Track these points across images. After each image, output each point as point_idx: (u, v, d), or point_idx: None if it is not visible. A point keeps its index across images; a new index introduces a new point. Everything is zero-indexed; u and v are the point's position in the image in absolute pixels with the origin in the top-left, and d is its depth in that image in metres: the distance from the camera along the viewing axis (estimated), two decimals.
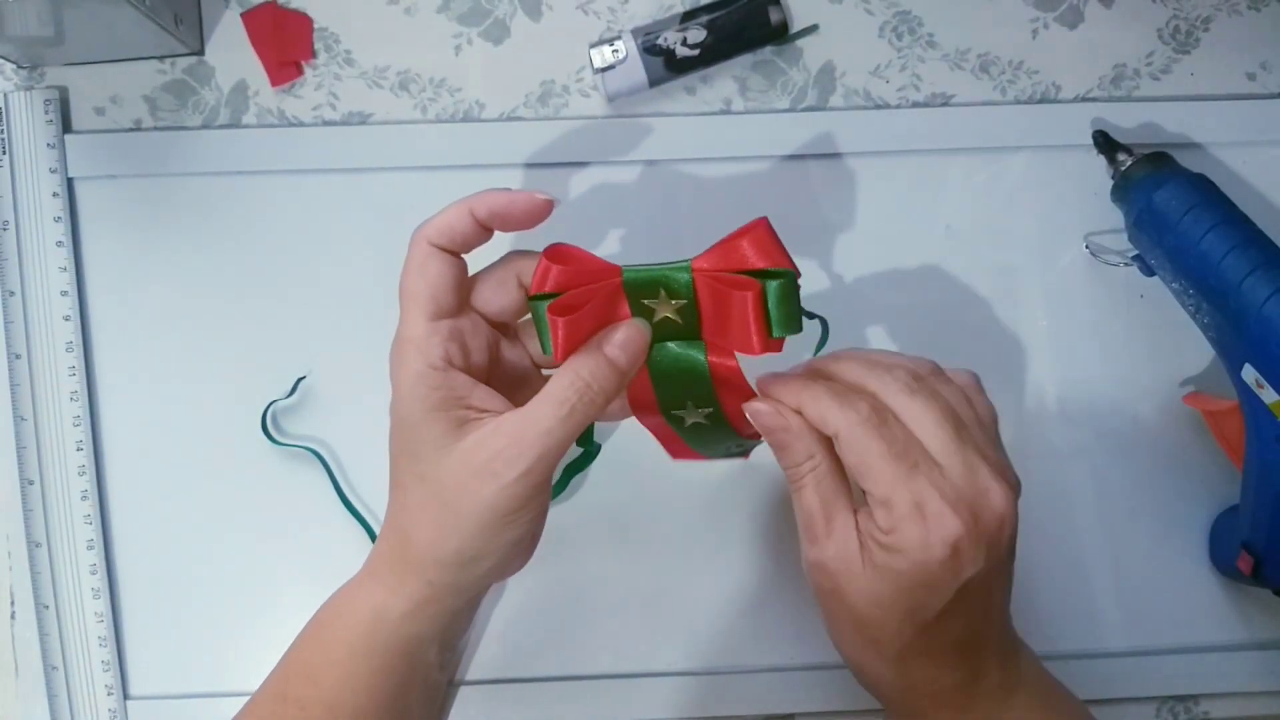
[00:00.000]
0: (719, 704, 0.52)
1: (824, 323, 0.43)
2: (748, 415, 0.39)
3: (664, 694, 0.52)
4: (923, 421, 0.37)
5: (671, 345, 0.39)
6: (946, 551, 0.36)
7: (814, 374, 0.40)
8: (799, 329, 0.38)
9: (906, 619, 0.38)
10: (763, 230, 0.37)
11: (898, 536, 0.36)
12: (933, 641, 0.38)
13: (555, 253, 0.38)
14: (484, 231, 0.39)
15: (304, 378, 0.52)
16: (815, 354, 0.43)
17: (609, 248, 0.53)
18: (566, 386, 0.37)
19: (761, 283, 0.37)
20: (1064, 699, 0.43)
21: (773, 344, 0.37)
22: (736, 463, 0.53)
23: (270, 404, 0.52)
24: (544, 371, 0.44)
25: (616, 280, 0.38)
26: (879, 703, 0.42)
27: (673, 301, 0.38)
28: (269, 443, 0.52)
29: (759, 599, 0.53)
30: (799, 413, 0.38)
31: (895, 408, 0.38)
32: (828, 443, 0.38)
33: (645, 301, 0.38)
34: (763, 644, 0.53)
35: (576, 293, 0.38)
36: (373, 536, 0.51)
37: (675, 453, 0.44)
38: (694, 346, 0.39)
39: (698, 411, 0.40)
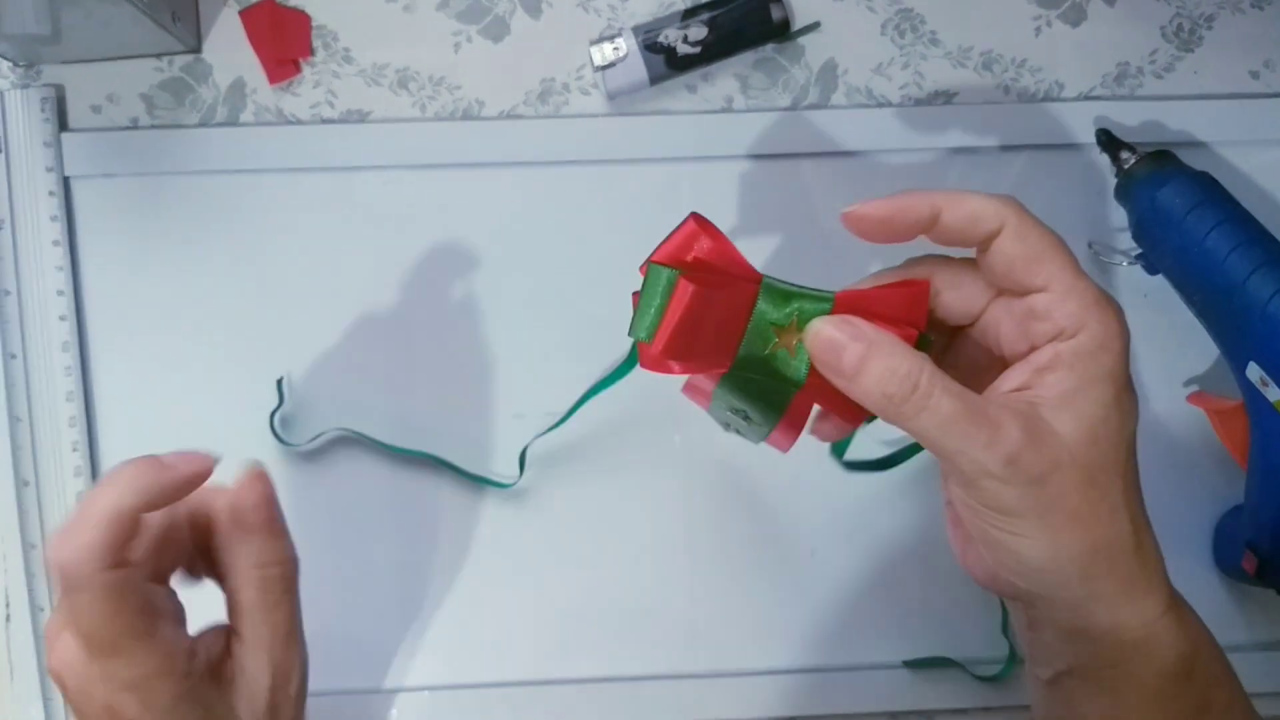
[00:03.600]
0: (720, 706, 0.52)
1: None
2: (807, 338, 0.33)
3: (665, 696, 0.52)
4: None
5: (781, 357, 0.34)
6: (1126, 336, 0.33)
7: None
8: None
9: (1121, 435, 0.33)
10: (920, 295, 0.34)
11: (1094, 329, 0.32)
12: (1136, 465, 0.34)
13: (704, 223, 0.33)
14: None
15: (281, 379, 0.51)
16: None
17: (609, 247, 0.52)
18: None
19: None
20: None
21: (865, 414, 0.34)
22: (737, 466, 0.52)
23: (274, 411, 0.51)
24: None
25: (753, 289, 0.33)
26: (1102, 617, 0.34)
27: (800, 331, 0.33)
28: (268, 443, 0.51)
29: (760, 601, 0.52)
30: (935, 211, 0.33)
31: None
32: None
33: (770, 322, 0.33)
34: (763, 646, 0.52)
35: (713, 276, 0.32)
36: (442, 463, 0.51)
37: (688, 389, 0.37)
38: (784, 388, 0.34)
39: (752, 405, 0.35)
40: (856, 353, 0.32)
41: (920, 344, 0.33)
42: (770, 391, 0.34)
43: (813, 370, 0.33)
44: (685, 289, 0.30)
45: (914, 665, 0.52)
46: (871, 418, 0.34)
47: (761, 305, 0.33)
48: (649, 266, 0.32)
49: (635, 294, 0.32)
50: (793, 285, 0.33)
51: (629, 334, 0.31)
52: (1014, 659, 0.52)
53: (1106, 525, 0.33)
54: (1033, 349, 0.33)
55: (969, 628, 0.52)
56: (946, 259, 0.36)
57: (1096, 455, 0.32)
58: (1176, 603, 0.35)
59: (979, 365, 0.36)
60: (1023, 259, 0.33)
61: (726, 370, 0.33)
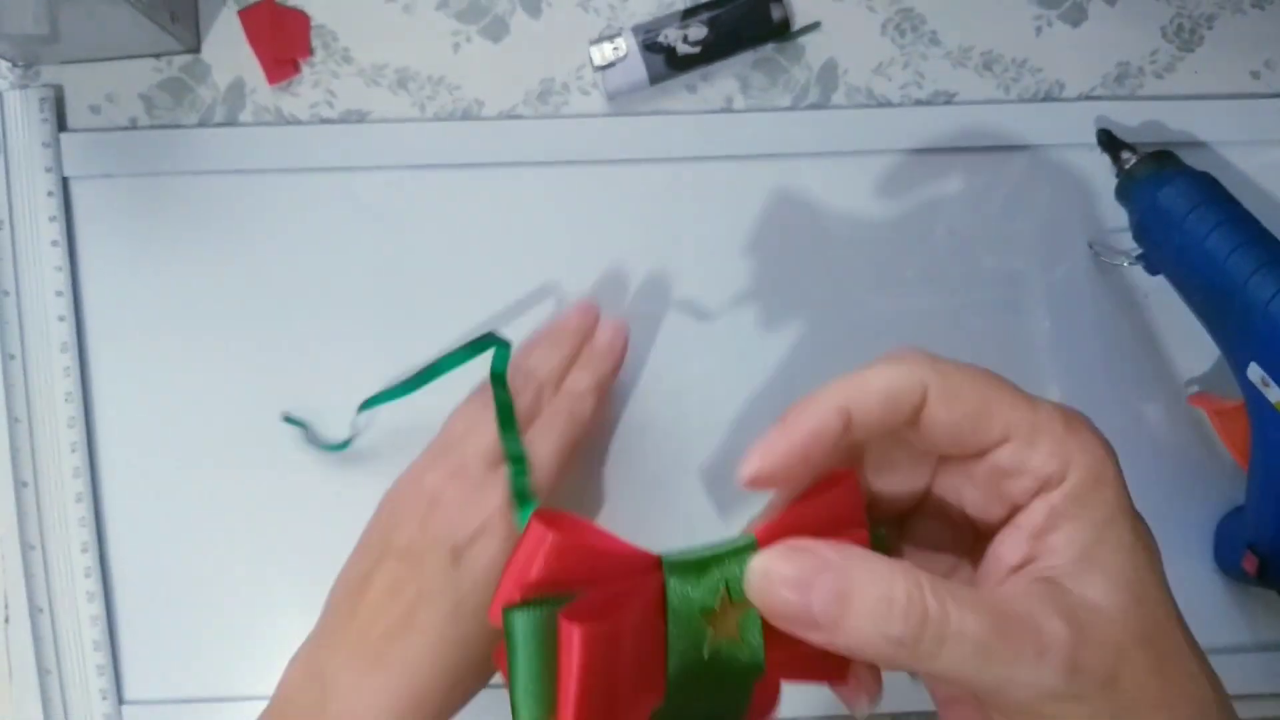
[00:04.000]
0: None
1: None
2: (750, 587, 0.24)
3: None
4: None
5: (726, 650, 0.25)
6: (1114, 455, 0.28)
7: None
8: None
9: (1155, 573, 0.26)
10: (851, 484, 0.26)
11: (1082, 463, 0.26)
12: (1175, 605, 0.27)
13: (551, 517, 0.24)
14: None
15: (289, 417, 0.51)
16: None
17: (609, 247, 0.52)
18: None
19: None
20: None
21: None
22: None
23: (304, 431, 0.51)
24: None
25: (654, 574, 0.24)
26: None
27: (736, 603, 0.24)
28: (269, 444, 0.51)
29: None
30: (848, 426, 0.26)
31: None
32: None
33: (696, 610, 0.24)
34: None
35: (596, 597, 0.23)
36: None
37: None
38: (746, 660, 0.25)
39: None
40: (828, 589, 0.23)
41: (874, 547, 0.26)
42: (723, 696, 0.25)
43: (770, 638, 0.24)
44: (570, 636, 0.21)
45: None
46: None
47: (674, 593, 0.23)
48: (504, 617, 0.22)
49: (495, 654, 0.23)
50: (700, 549, 0.24)
51: (514, 717, 0.22)
52: None
53: (1188, 701, 0.26)
54: (1015, 510, 0.27)
55: None
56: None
57: (1149, 616, 0.25)
58: None
59: (940, 548, 0.30)
60: (967, 419, 0.26)
61: (660, 696, 0.24)
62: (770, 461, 0.26)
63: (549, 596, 0.22)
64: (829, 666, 0.27)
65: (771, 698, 0.27)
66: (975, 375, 0.27)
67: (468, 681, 0.41)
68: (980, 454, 0.27)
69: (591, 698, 0.21)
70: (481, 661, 0.40)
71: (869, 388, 0.26)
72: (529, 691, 0.22)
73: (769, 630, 0.24)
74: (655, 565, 0.24)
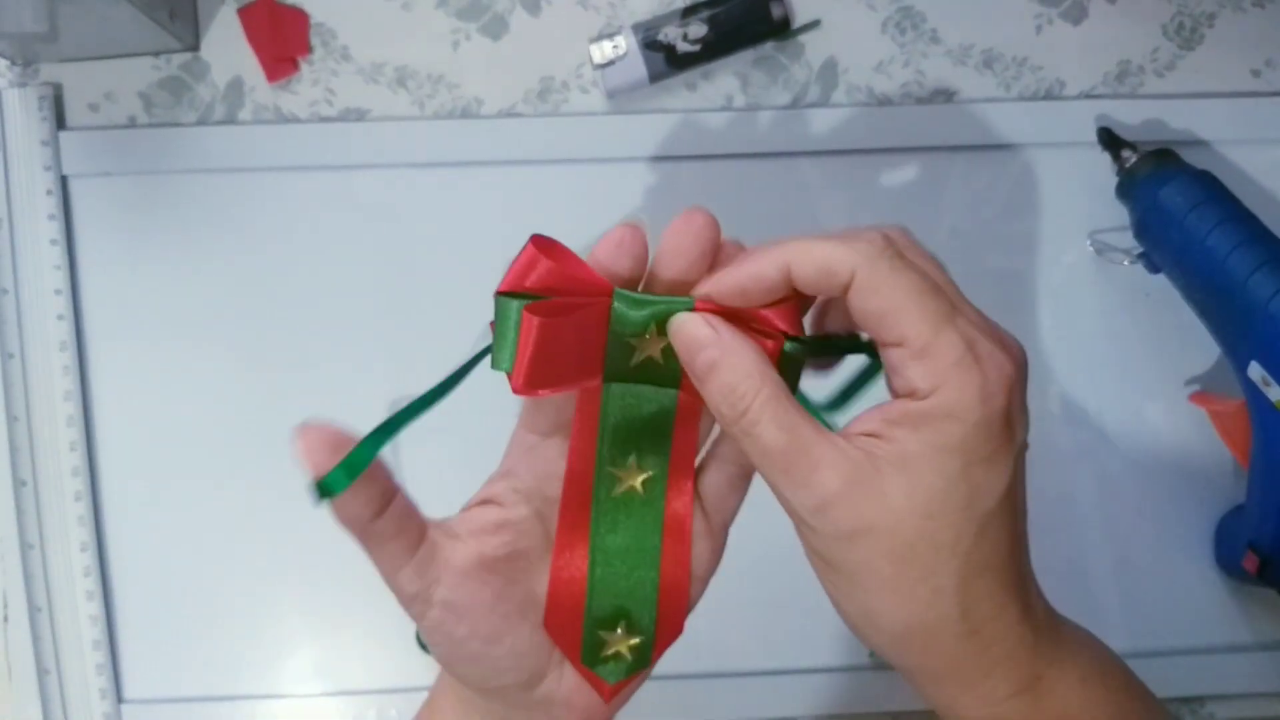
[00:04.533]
0: (721, 707, 0.52)
1: (876, 362, 0.33)
2: (670, 329, 0.31)
3: (665, 696, 0.52)
4: (932, 266, 0.32)
5: (639, 386, 0.33)
6: (1004, 400, 0.29)
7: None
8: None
9: (966, 514, 0.29)
10: (792, 307, 0.32)
11: (947, 393, 0.29)
12: (994, 546, 0.30)
13: (545, 244, 0.31)
14: None
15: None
16: (847, 393, 0.35)
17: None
18: None
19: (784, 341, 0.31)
20: (1108, 658, 0.35)
21: None
22: None
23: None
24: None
25: (605, 300, 0.31)
26: (933, 693, 0.32)
27: (662, 339, 0.32)
28: (269, 444, 0.51)
29: (760, 601, 0.52)
30: (786, 268, 0.30)
31: (895, 244, 0.31)
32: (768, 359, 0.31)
33: (629, 338, 0.32)
34: (764, 647, 0.52)
35: (558, 302, 0.31)
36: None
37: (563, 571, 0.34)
38: (666, 389, 0.33)
39: (639, 471, 0.34)
40: (708, 357, 0.30)
41: (783, 359, 0.31)
42: (652, 410, 0.33)
43: (687, 384, 0.32)
44: (530, 323, 0.30)
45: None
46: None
47: (617, 317, 0.32)
48: (496, 300, 0.31)
49: (491, 323, 0.32)
50: (644, 296, 0.32)
51: (492, 367, 0.31)
52: None
53: (924, 606, 0.29)
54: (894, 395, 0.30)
55: None
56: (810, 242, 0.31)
57: (926, 529, 0.29)
58: (1038, 684, 0.31)
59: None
60: (875, 313, 0.29)
61: (598, 384, 0.33)
62: (715, 289, 0.31)
63: (529, 294, 0.31)
64: None
65: (691, 443, 0.34)
66: (903, 280, 0.30)
67: None
68: (884, 345, 0.30)
69: (538, 368, 0.31)
70: None
71: (810, 255, 0.30)
72: (504, 351, 0.31)
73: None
74: (608, 292, 0.32)
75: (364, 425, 0.52)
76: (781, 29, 0.52)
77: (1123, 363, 0.53)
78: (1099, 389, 0.53)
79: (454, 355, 0.52)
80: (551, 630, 0.34)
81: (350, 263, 0.52)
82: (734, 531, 0.52)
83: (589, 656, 0.34)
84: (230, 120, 0.52)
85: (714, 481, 0.35)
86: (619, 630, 0.34)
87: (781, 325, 0.31)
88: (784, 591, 0.52)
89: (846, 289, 0.30)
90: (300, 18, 0.52)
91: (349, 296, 0.52)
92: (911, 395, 0.29)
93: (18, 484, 0.50)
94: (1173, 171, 0.49)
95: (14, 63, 0.52)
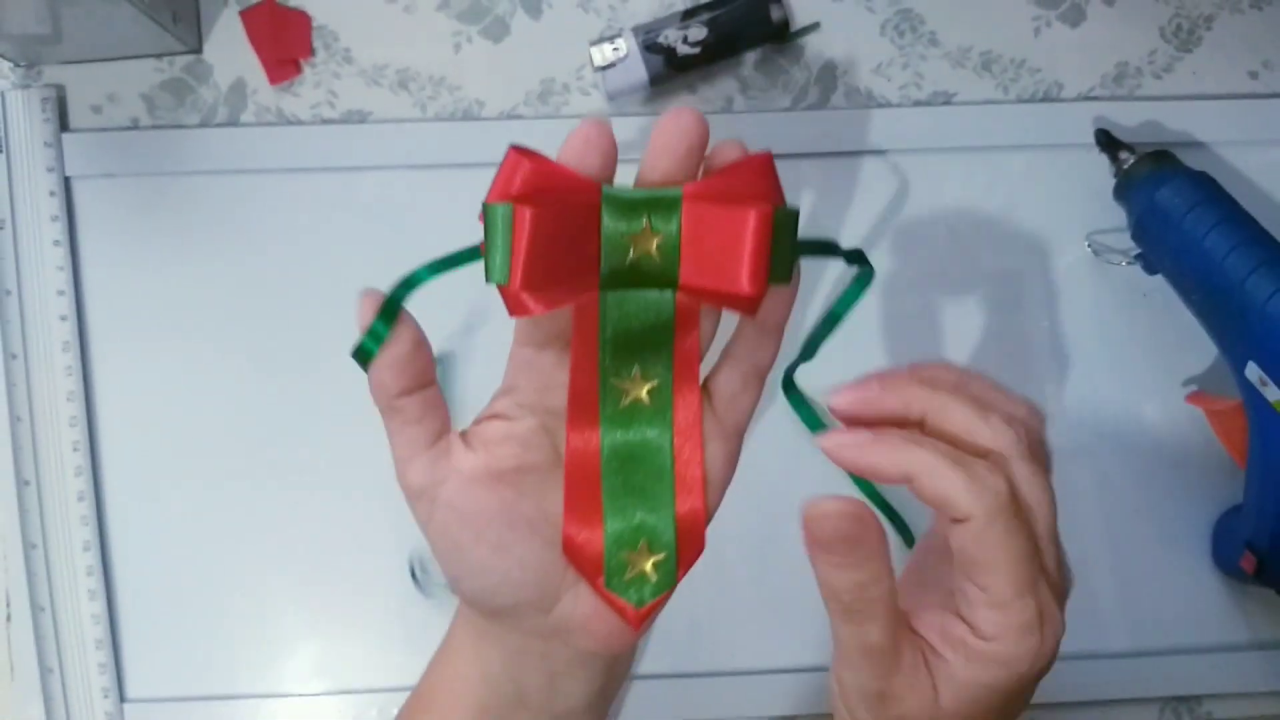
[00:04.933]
0: (721, 707, 0.52)
1: (865, 269, 0.35)
2: (806, 519, 0.31)
3: (665, 696, 0.52)
4: (1041, 504, 0.33)
5: (636, 291, 0.32)
6: (1051, 658, 0.32)
7: (899, 394, 0.33)
8: (788, 278, 0.32)
9: None
10: (765, 163, 0.32)
11: (1005, 646, 0.31)
12: None
13: (524, 151, 0.31)
14: None
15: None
16: (843, 303, 0.36)
17: None
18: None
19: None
20: None
21: (761, 291, 0.31)
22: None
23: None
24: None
25: (594, 198, 0.31)
26: None
27: (656, 234, 0.31)
28: (269, 444, 0.51)
29: (760, 600, 0.52)
30: (908, 478, 0.31)
31: (1017, 478, 0.32)
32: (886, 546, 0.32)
33: (622, 235, 0.31)
34: (764, 645, 0.52)
35: (547, 200, 0.30)
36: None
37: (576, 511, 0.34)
38: (664, 292, 0.32)
39: (644, 382, 0.33)
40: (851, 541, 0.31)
41: (779, 218, 0.31)
42: (648, 318, 0.32)
43: (686, 256, 0.31)
44: (523, 214, 0.29)
45: None
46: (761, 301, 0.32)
47: (608, 214, 0.31)
48: (484, 209, 0.30)
49: (481, 245, 0.31)
50: (633, 190, 0.31)
51: (486, 280, 0.31)
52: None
53: None
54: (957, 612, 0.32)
55: None
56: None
57: None
58: None
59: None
60: (971, 558, 0.31)
61: (594, 293, 0.32)
62: (838, 456, 0.32)
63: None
64: (740, 305, 0.32)
65: (693, 348, 0.33)
66: (1012, 544, 0.31)
67: None
68: (966, 580, 0.32)
69: (535, 266, 0.29)
70: None
71: (935, 484, 0.31)
72: (496, 262, 0.30)
73: (689, 266, 0.31)
74: (598, 190, 0.31)
75: (365, 426, 0.52)
76: (781, 32, 0.52)
77: (1120, 363, 0.53)
78: (1097, 389, 0.53)
79: (454, 352, 0.52)
80: (570, 553, 0.33)
81: (352, 264, 0.52)
82: (734, 532, 0.52)
83: (612, 579, 0.33)
84: (233, 122, 0.52)
85: (726, 382, 0.34)
86: (640, 548, 0.33)
87: (763, 193, 0.31)
88: (784, 591, 0.53)
89: (955, 519, 0.31)
90: (302, 20, 0.52)
91: (351, 297, 0.52)
92: (973, 627, 0.31)
93: (21, 484, 0.50)
94: (1170, 173, 0.49)
95: (17, 64, 0.52)
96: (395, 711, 0.51)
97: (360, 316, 0.33)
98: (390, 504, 0.52)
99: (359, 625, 0.52)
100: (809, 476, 0.53)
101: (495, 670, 0.36)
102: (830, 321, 0.36)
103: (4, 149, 0.50)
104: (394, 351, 0.33)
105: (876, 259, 0.53)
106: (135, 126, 0.52)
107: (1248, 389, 0.47)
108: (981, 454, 0.32)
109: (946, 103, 0.54)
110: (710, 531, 0.52)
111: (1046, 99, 0.54)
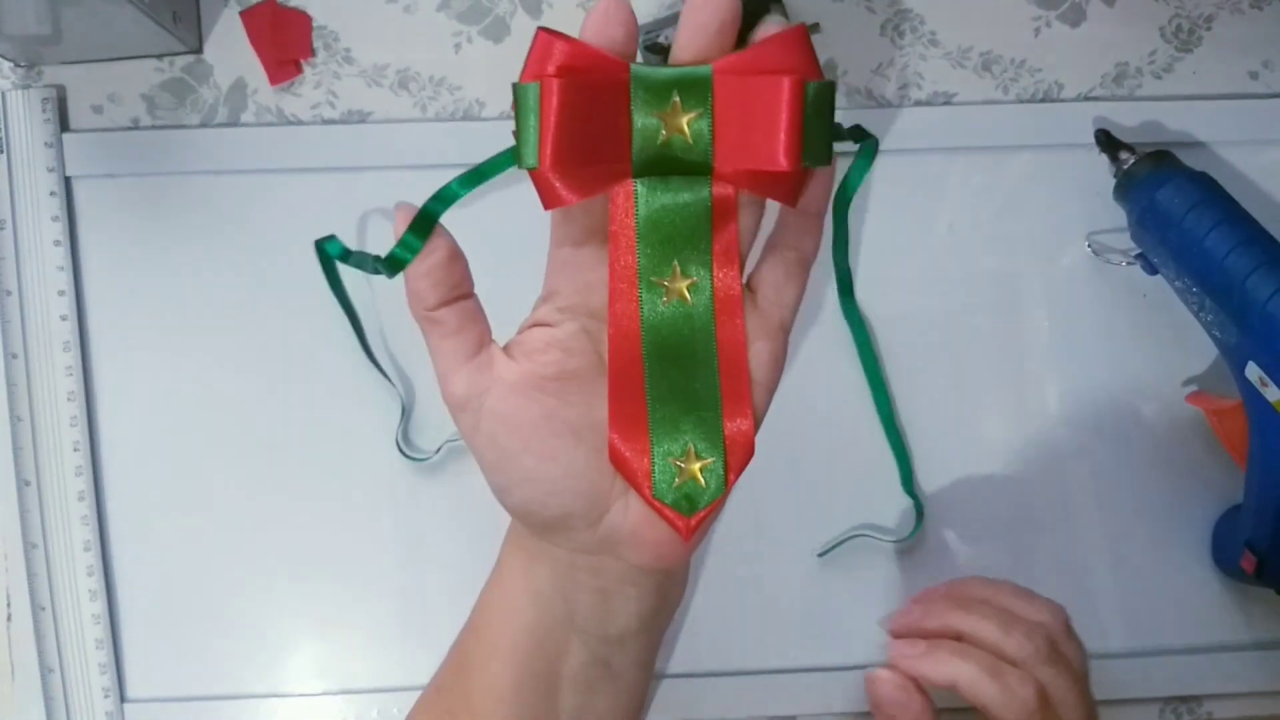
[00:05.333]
0: (720, 706, 0.52)
1: (867, 141, 0.35)
2: (867, 683, 0.43)
3: (665, 695, 0.52)
4: (1067, 699, 0.41)
5: (670, 184, 0.32)
6: None
7: (939, 616, 0.45)
8: (828, 159, 0.31)
9: None
10: (799, 35, 0.30)
11: None
12: None
13: (554, 32, 0.30)
14: None
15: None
16: (854, 177, 0.35)
17: None
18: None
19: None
20: None
21: (798, 168, 0.30)
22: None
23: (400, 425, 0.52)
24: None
25: (623, 77, 0.30)
26: None
27: (687, 112, 0.30)
28: (269, 445, 0.52)
29: (760, 599, 0.52)
30: (952, 685, 0.41)
31: (1044, 681, 0.41)
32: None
33: (653, 113, 0.30)
34: (764, 645, 0.52)
35: (576, 76, 0.29)
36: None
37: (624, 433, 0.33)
38: (698, 179, 0.31)
39: (683, 278, 0.32)
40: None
41: (814, 90, 0.30)
42: (688, 209, 0.32)
43: (720, 137, 0.30)
44: (550, 85, 0.28)
45: (827, 553, 0.52)
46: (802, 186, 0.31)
47: (637, 91, 0.30)
48: (514, 89, 0.29)
49: (513, 133, 0.30)
50: (660, 68, 0.30)
51: (518, 165, 0.30)
52: (921, 515, 0.52)
53: None
54: None
55: None
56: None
57: None
58: None
59: None
60: None
61: (629, 175, 0.31)
62: (900, 660, 0.44)
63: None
64: (778, 188, 0.31)
65: (731, 237, 0.32)
66: None
67: None
68: None
69: (566, 139, 0.29)
70: None
71: (975, 691, 0.42)
72: (529, 144, 0.29)
73: (722, 142, 0.30)
74: (626, 68, 0.30)
75: (366, 426, 0.52)
76: None
77: (1120, 363, 0.53)
78: (1096, 389, 0.53)
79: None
80: (617, 461, 0.32)
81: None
82: (733, 531, 0.52)
83: (661, 487, 0.32)
84: (233, 122, 0.52)
85: (770, 273, 0.34)
86: (688, 454, 0.32)
87: (796, 67, 0.30)
88: (784, 591, 0.53)
89: (988, 715, 0.41)
90: (303, 20, 0.52)
91: (352, 297, 0.52)
92: None
93: (21, 484, 0.50)
94: (1170, 173, 0.49)
95: (17, 65, 0.52)
96: (395, 711, 0.51)
97: (395, 227, 0.32)
98: (390, 504, 0.52)
99: (359, 625, 0.52)
100: (810, 478, 0.53)
101: (545, 588, 0.36)
102: (843, 200, 0.36)
103: (4, 149, 0.50)
104: (429, 260, 0.32)
105: (876, 259, 0.53)
106: (136, 126, 0.52)
107: (1248, 389, 0.47)
108: (1014, 663, 0.41)
109: (946, 103, 0.54)
110: (710, 532, 0.53)
111: (1046, 99, 0.54)
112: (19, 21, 0.47)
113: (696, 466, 0.32)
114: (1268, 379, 0.46)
